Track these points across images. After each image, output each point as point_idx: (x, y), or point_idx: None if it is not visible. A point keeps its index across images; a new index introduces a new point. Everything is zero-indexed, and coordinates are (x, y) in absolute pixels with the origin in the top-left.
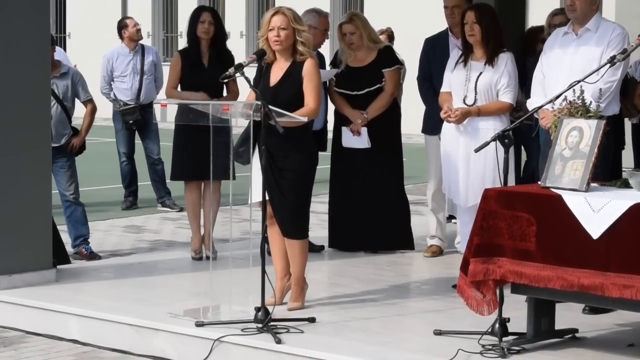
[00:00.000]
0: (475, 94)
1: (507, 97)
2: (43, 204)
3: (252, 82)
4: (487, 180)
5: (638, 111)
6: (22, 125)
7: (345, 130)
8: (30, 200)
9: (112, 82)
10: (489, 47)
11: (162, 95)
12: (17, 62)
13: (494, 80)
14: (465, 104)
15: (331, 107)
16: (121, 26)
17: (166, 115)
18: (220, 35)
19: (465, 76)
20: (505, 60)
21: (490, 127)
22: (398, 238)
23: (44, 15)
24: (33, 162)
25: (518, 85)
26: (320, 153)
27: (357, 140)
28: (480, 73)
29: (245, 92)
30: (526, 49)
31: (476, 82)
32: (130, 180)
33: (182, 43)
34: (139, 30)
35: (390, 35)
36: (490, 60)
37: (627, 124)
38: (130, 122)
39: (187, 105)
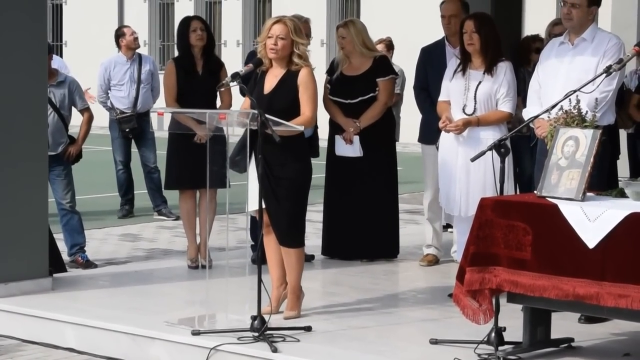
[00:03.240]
0: (475, 103)
1: (506, 106)
2: (39, 212)
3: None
4: (487, 190)
5: (633, 122)
6: (18, 134)
7: (338, 139)
8: (26, 209)
9: (109, 91)
10: (488, 56)
11: (158, 104)
12: (14, 70)
13: (493, 89)
14: (465, 113)
15: (324, 115)
16: (118, 34)
17: (163, 124)
18: (211, 43)
19: (464, 85)
20: (505, 69)
21: (490, 137)
22: (387, 246)
23: (41, 24)
24: (30, 171)
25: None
26: (315, 162)
27: (349, 148)
28: (480, 82)
29: (239, 99)
30: (520, 58)
31: (475, 91)
32: (126, 188)
33: None
34: (136, 39)
35: (389, 45)
36: (489, 69)
37: (622, 134)
38: (127, 130)
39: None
